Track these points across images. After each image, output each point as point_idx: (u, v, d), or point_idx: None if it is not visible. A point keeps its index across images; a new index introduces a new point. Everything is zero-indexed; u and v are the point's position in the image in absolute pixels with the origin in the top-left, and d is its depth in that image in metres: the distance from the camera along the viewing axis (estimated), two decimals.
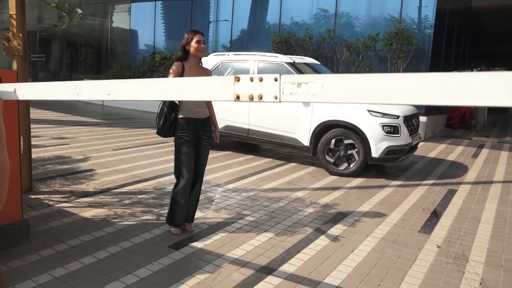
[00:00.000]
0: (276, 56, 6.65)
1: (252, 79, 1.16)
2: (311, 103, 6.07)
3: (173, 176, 5.30)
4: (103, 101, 14.73)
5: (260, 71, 6.42)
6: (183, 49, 3.37)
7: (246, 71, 6.45)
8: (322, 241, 3.47)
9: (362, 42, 9.62)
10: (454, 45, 12.53)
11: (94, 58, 18.60)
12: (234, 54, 7.14)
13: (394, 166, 6.53)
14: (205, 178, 5.18)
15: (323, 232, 3.68)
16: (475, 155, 7.84)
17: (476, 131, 11.36)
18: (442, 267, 3.10)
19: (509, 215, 4.40)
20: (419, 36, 9.47)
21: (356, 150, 5.68)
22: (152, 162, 5.95)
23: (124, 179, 4.98)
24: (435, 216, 4.26)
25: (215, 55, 7.38)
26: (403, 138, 5.65)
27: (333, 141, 5.80)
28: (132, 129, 9.12)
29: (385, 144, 5.55)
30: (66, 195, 4.26)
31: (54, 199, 4.15)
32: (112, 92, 1.50)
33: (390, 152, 5.59)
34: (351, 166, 5.73)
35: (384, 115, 5.61)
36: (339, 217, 4.08)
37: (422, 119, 9.48)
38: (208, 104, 3.53)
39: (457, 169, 6.51)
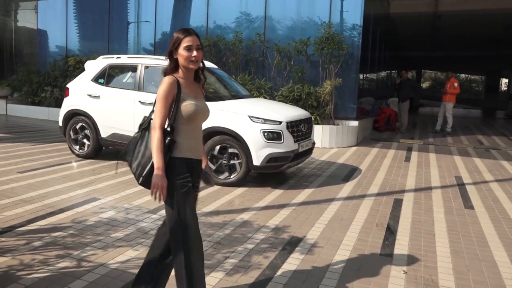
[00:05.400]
0: (165, 60, 6.12)
1: None
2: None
3: (96, 203, 4.48)
4: (6, 110, 12.97)
5: (146, 75, 6.04)
6: (170, 57, 2.39)
7: (133, 76, 6.21)
8: (281, 278, 3.01)
9: (293, 46, 9.41)
10: (377, 50, 12.93)
11: None
12: (128, 57, 6.68)
13: (335, 175, 6.32)
14: (135, 203, 4.47)
15: (279, 265, 3.21)
16: (407, 159, 7.96)
17: (401, 133, 11.79)
18: None
19: (459, 225, 4.32)
20: (348, 41, 9.49)
21: (239, 160, 5.36)
22: (68, 186, 5.06)
23: (32, 212, 4.09)
24: (391, 233, 4.02)
25: (103, 57, 6.88)
26: (286, 144, 5.37)
27: (217, 148, 5.41)
28: (42, 144, 7.95)
29: (266, 152, 5.26)
30: None
31: None
32: None
33: (272, 159, 5.30)
34: (232, 176, 5.42)
35: (266, 121, 5.33)
36: (293, 243, 3.65)
37: (354, 123, 9.52)
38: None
39: (396, 176, 6.48)
